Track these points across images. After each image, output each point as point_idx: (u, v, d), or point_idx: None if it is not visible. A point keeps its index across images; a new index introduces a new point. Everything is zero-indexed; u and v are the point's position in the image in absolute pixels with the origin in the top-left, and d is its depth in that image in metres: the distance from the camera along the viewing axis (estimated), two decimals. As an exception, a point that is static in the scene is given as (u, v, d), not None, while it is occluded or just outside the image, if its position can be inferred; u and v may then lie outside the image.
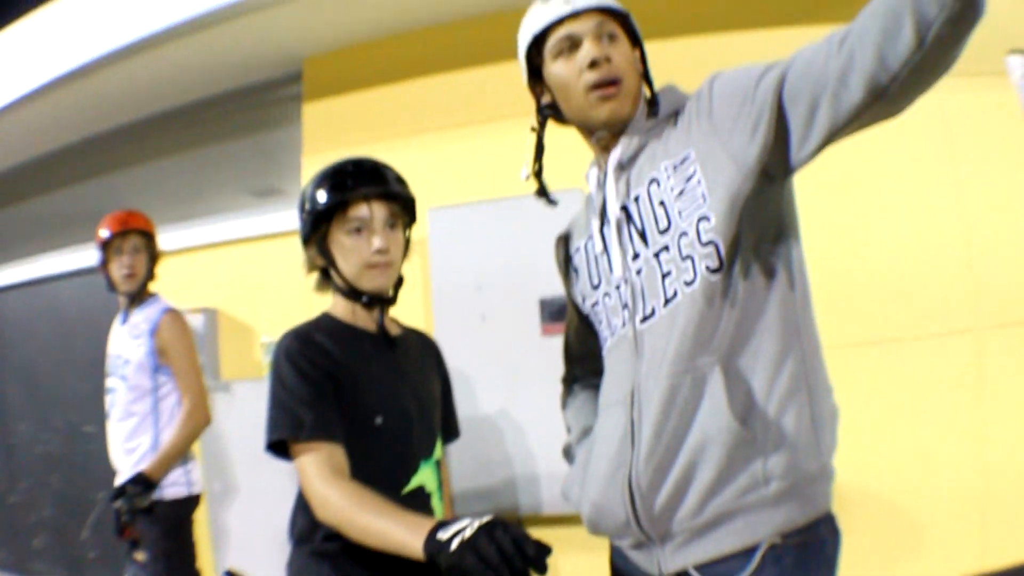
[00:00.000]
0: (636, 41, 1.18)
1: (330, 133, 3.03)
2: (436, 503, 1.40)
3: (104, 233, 2.36)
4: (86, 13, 3.12)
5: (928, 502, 2.50)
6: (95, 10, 3.09)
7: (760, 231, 1.04)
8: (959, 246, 2.62)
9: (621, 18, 1.15)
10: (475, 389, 2.55)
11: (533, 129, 1.24)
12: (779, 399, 1.00)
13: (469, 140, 2.89)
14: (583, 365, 1.40)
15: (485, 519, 0.95)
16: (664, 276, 1.06)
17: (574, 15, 1.11)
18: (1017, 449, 2.51)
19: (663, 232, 1.06)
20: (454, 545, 0.93)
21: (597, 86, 1.10)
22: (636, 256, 1.10)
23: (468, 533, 0.93)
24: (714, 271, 1.01)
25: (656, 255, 1.07)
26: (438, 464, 1.43)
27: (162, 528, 2.26)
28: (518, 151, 2.81)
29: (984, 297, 2.61)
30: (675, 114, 1.14)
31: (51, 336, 3.96)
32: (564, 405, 1.42)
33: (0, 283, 4.23)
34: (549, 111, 1.20)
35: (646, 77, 1.18)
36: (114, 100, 3.40)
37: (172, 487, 2.28)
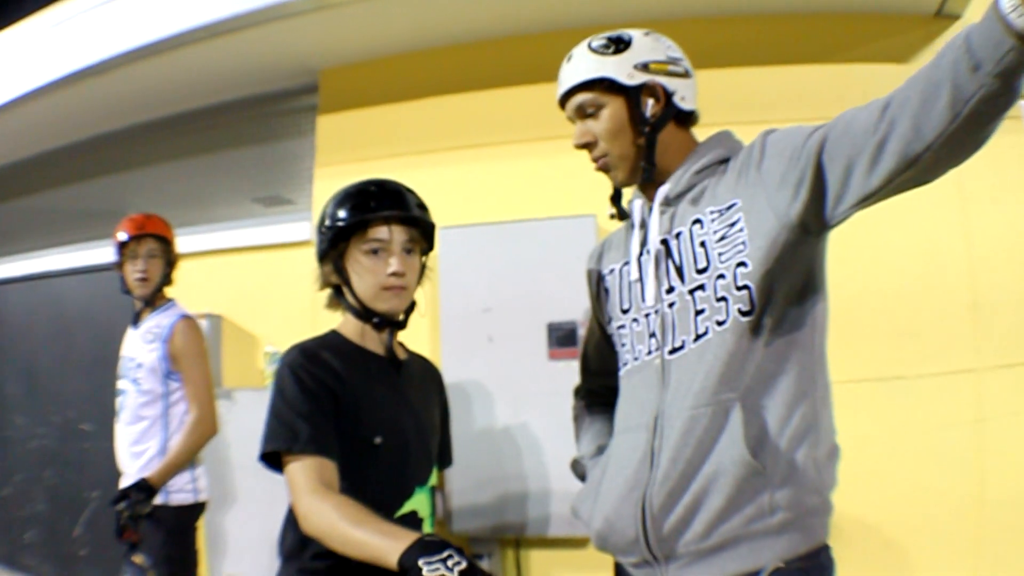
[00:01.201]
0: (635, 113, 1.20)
1: (343, 146, 3.03)
2: (427, 529, 1.40)
3: (121, 236, 2.35)
4: (107, 10, 3.12)
5: (924, 539, 2.51)
6: (116, 8, 3.09)
7: (791, 281, 1.09)
8: (964, 286, 2.64)
9: (608, 86, 1.18)
10: (481, 409, 2.55)
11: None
12: (790, 438, 1.06)
13: (483, 162, 2.89)
14: (599, 380, 1.43)
15: (464, 564, 0.96)
16: (697, 313, 1.11)
17: (561, 99, 1.23)
18: (1014, 489, 2.52)
19: (701, 271, 1.12)
20: (425, 572, 0.94)
21: (598, 167, 1.23)
22: (671, 290, 1.16)
23: (442, 571, 0.94)
24: (745, 314, 1.07)
25: (691, 292, 1.13)
26: (433, 491, 1.44)
27: (166, 533, 2.25)
28: (531, 175, 2.86)
29: (987, 338, 2.62)
30: (725, 160, 1.19)
31: (51, 332, 3.95)
32: (576, 416, 1.47)
33: (2, 276, 4.22)
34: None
35: (647, 150, 1.20)
36: (127, 100, 3.40)
37: (179, 493, 2.27)
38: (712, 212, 1.13)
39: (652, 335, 1.17)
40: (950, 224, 2.67)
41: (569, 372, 2.48)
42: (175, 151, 3.63)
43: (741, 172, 1.13)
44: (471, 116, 2.94)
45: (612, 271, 1.31)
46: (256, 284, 3.19)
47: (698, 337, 1.10)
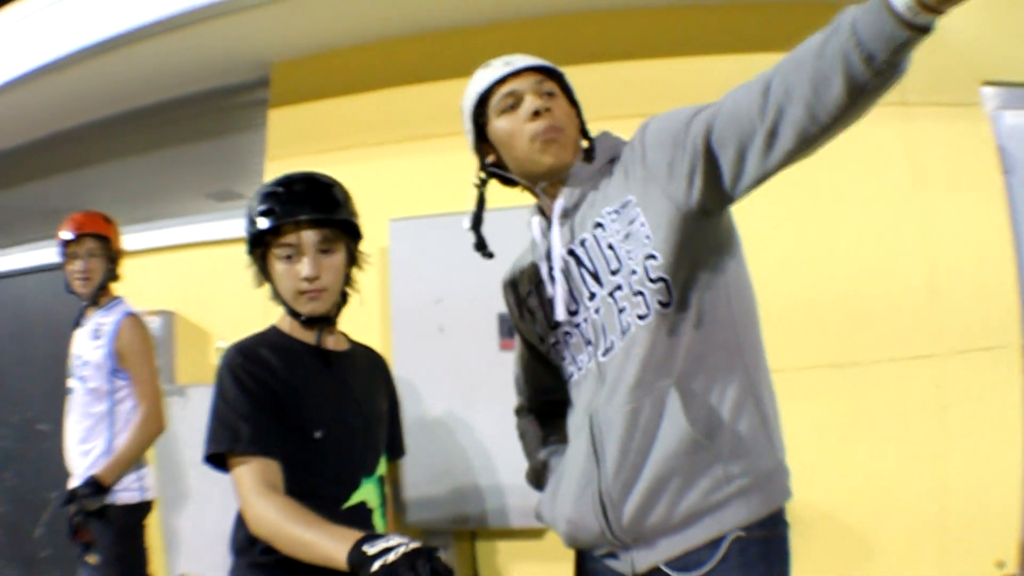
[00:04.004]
0: (572, 98, 1.26)
1: (294, 140, 3.01)
2: (378, 519, 1.40)
3: (62, 235, 2.34)
4: (54, 11, 3.09)
5: (886, 525, 2.52)
6: (63, 8, 3.06)
7: (702, 262, 1.13)
8: (922, 272, 2.64)
9: (557, 77, 1.26)
10: (432, 400, 2.54)
11: (476, 185, 1.32)
12: (730, 409, 1.11)
13: (433, 153, 2.88)
14: (536, 398, 1.47)
15: (411, 545, 0.96)
16: (620, 311, 1.15)
17: (514, 74, 1.22)
18: (975, 474, 2.53)
19: (615, 272, 1.15)
20: (375, 567, 0.94)
21: (541, 134, 1.19)
22: (593, 296, 1.18)
23: (391, 558, 0.94)
24: (665, 304, 1.11)
25: (611, 294, 1.16)
26: (381, 480, 1.43)
27: (114, 532, 2.25)
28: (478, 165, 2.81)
29: (946, 323, 2.62)
30: (611, 161, 1.22)
31: (8, 332, 3.91)
32: (521, 433, 1.49)
33: (-41, 278, 4.16)
34: (493, 170, 1.30)
35: (583, 131, 1.26)
36: (80, 97, 3.37)
37: (125, 492, 2.26)
38: (609, 213, 1.16)
39: (588, 343, 1.20)
40: (906, 209, 2.67)
41: (521, 362, 2.48)
42: (129, 148, 3.60)
43: (628, 169, 1.16)
44: (421, 107, 2.92)
45: (531, 292, 1.34)
46: (208, 279, 3.17)
47: (623, 333, 1.14)
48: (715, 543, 1.09)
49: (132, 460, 2.26)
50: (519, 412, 1.51)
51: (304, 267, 1.29)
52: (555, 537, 2.59)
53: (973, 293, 2.63)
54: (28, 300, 3.84)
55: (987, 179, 2.72)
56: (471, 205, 2.73)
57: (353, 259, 1.39)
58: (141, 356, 2.32)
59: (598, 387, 1.18)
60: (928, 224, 2.67)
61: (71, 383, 2.37)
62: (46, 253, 3.59)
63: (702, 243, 1.12)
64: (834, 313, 2.61)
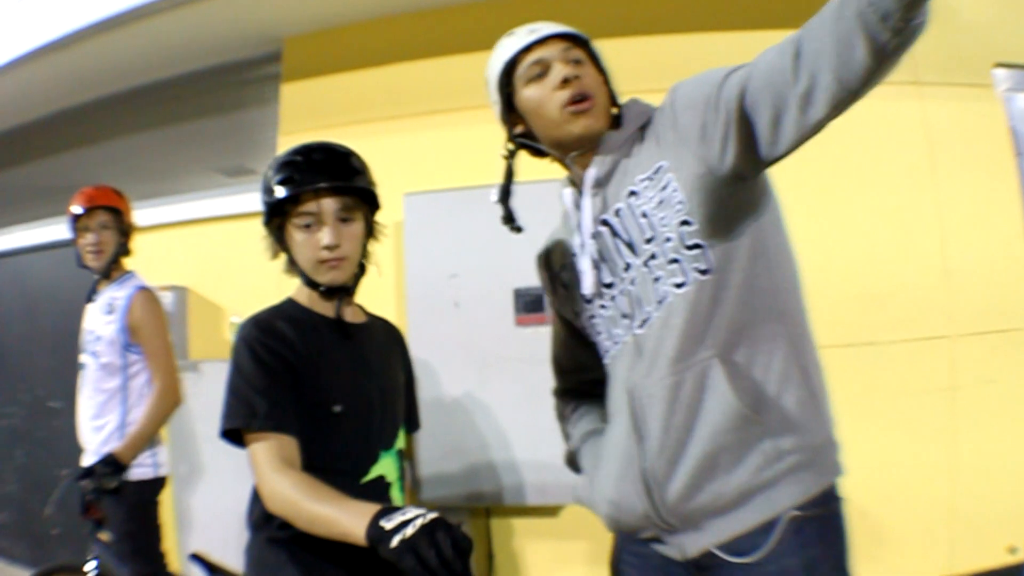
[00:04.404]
0: (599, 66, 1.23)
1: (307, 114, 2.99)
2: (396, 493, 1.39)
3: (73, 209, 2.32)
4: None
5: (896, 506, 2.52)
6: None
7: (740, 227, 1.09)
8: (936, 254, 2.64)
9: (584, 44, 1.22)
10: (446, 376, 2.53)
11: (504, 157, 1.29)
12: (777, 382, 1.07)
13: (448, 127, 2.86)
14: (574, 376, 1.43)
15: (429, 517, 0.95)
16: (655, 281, 1.11)
17: (540, 42, 1.19)
18: (987, 456, 2.53)
19: (649, 241, 1.12)
20: (394, 542, 0.93)
21: (571, 102, 1.16)
22: (628, 267, 1.15)
23: (409, 532, 0.93)
24: (704, 272, 1.08)
25: (646, 263, 1.13)
26: (400, 454, 1.42)
27: (127, 509, 2.24)
28: (497, 140, 2.79)
29: (959, 305, 2.62)
30: (642, 128, 1.19)
31: (17, 309, 3.91)
32: (559, 415, 1.46)
33: (-33, 255, 4.16)
34: (521, 140, 1.27)
35: (612, 98, 1.23)
36: (89, 74, 3.34)
37: (138, 468, 2.25)
38: (642, 180, 1.14)
39: (624, 315, 1.17)
40: (921, 190, 2.67)
41: (536, 338, 2.48)
42: (138, 124, 3.58)
43: (659, 134, 1.14)
44: (436, 82, 2.90)
45: (564, 267, 1.31)
46: (221, 255, 3.16)
47: (660, 303, 1.11)
48: (769, 525, 1.05)
49: (149, 436, 2.25)
50: (557, 393, 1.48)
51: (324, 235, 1.27)
52: (570, 515, 2.64)
53: (986, 275, 2.63)
54: (36, 277, 3.84)
55: (1000, 161, 2.72)
56: (487, 179, 2.71)
57: (371, 230, 1.38)
58: (155, 330, 2.30)
59: (636, 361, 1.15)
60: (941, 206, 2.67)
61: (83, 358, 2.35)
62: (54, 230, 3.60)
63: (738, 207, 1.09)
64: (847, 294, 2.60)
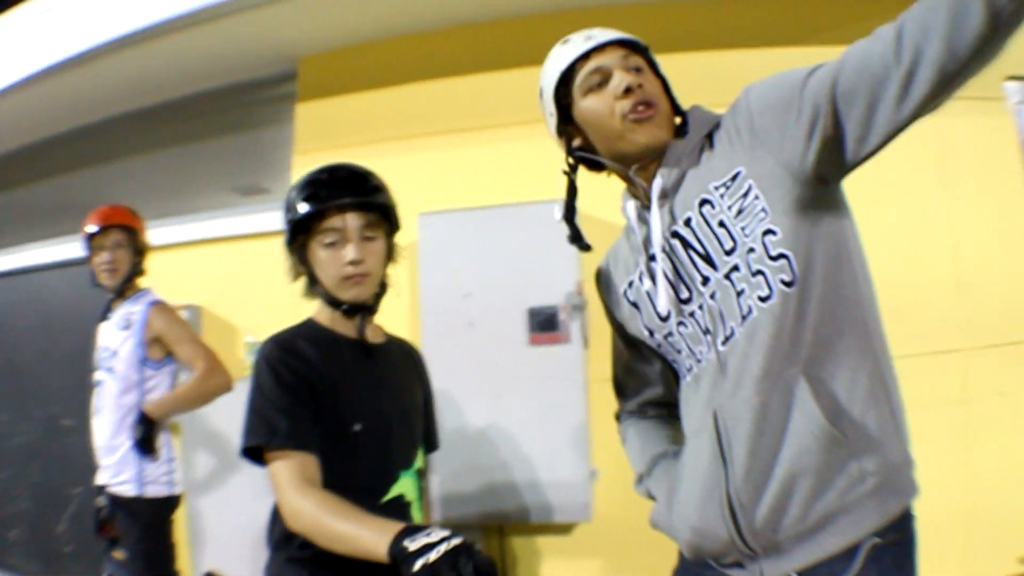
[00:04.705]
0: (658, 73, 1.18)
1: (322, 134, 3.01)
2: (416, 512, 1.39)
3: (88, 228, 2.34)
4: (79, 4, 3.10)
5: (911, 518, 2.51)
6: (88, 1, 3.06)
7: (823, 236, 1.05)
8: (948, 267, 2.64)
9: (643, 52, 1.17)
10: (460, 395, 2.54)
11: (565, 173, 1.23)
12: (862, 400, 1.03)
13: (462, 147, 2.88)
14: (636, 398, 1.39)
15: (453, 542, 0.94)
16: (738, 294, 1.06)
17: (599, 48, 1.13)
18: (999, 467, 2.53)
19: (729, 252, 1.07)
20: (417, 566, 0.93)
21: (633, 110, 1.10)
22: (706, 280, 1.10)
23: (432, 557, 0.92)
24: (789, 284, 1.02)
25: (727, 276, 1.07)
26: (419, 474, 1.43)
27: (142, 527, 2.24)
28: (511, 159, 2.85)
29: (972, 318, 2.62)
30: (709, 135, 1.14)
31: (33, 327, 3.92)
32: (624, 440, 1.40)
33: (-18, 271, 4.18)
34: (581, 154, 1.21)
35: (674, 106, 1.18)
36: (105, 91, 3.37)
37: (154, 485, 2.25)
38: (717, 187, 1.08)
39: (706, 331, 1.11)
40: (934, 205, 2.67)
41: (550, 357, 2.49)
42: (154, 142, 3.61)
43: (733, 139, 1.09)
44: (450, 102, 2.92)
45: (632, 284, 1.25)
46: (236, 274, 3.17)
47: (744, 318, 1.06)
48: (850, 552, 1.02)
49: (188, 406, 2.26)
50: (621, 417, 1.42)
51: (349, 251, 1.28)
52: (583, 533, 2.64)
53: (999, 288, 2.63)
54: (51, 295, 3.85)
55: (1012, 173, 2.72)
56: (501, 198, 2.76)
57: (390, 251, 1.39)
58: (179, 330, 2.31)
59: (719, 379, 1.09)
60: (954, 219, 2.67)
61: (98, 375, 2.36)
62: (69, 248, 3.60)
63: (820, 215, 1.04)
64: (860, 307, 2.61)
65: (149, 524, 2.26)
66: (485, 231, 2.56)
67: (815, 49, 2.72)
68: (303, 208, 1.29)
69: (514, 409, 2.51)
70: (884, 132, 0.94)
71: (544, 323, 2.49)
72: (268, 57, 3.11)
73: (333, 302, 1.33)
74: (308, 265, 1.33)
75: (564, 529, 2.61)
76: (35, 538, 3.80)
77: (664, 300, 1.14)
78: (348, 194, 1.29)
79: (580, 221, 1.25)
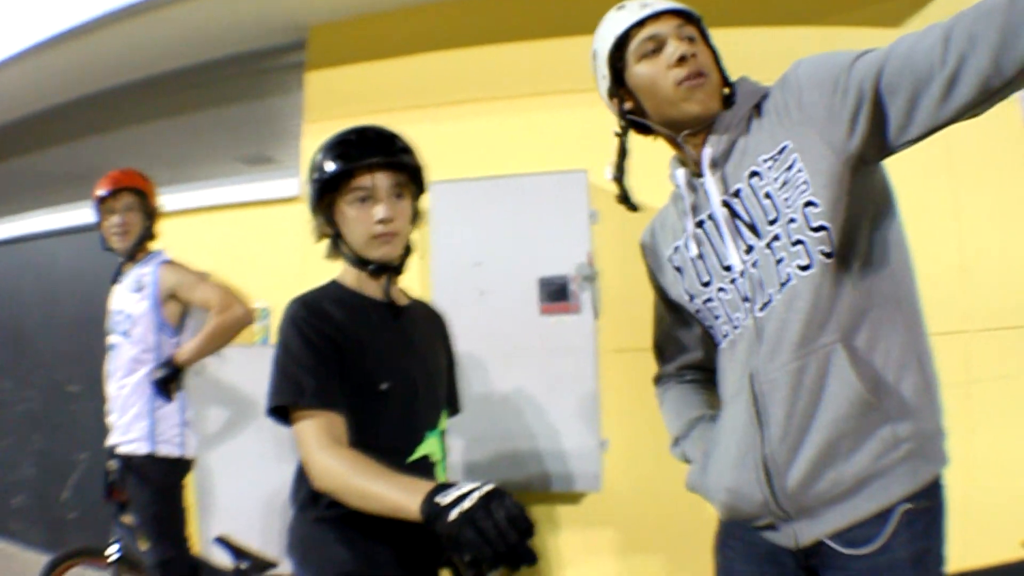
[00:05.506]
0: (710, 44, 1.21)
1: (332, 103, 3.00)
2: (441, 473, 1.40)
3: (98, 192, 2.33)
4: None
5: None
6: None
7: (862, 210, 1.09)
8: (953, 251, 2.65)
9: (696, 22, 1.20)
10: (471, 364, 2.54)
11: (617, 135, 1.26)
12: (896, 369, 1.07)
13: (473, 117, 2.88)
14: (675, 362, 1.43)
15: (485, 488, 0.95)
16: (778, 262, 1.10)
17: (654, 16, 1.16)
18: (1001, 451, 2.54)
19: (773, 222, 1.10)
20: (452, 515, 0.93)
21: (687, 79, 1.14)
22: (750, 249, 1.14)
23: (467, 505, 0.93)
24: (828, 255, 1.06)
25: (768, 244, 1.11)
26: (443, 435, 1.44)
27: (152, 490, 2.25)
28: (523, 130, 2.85)
29: (975, 301, 2.63)
30: (757, 106, 1.16)
31: (38, 294, 3.91)
32: (661, 403, 1.44)
33: (-12, 238, 4.17)
34: (632, 117, 1.24)
35: (723, 78, 1.21)
36: (112, 59, 3.35)
37: (165, 444, 2.26)
38: (765, 160, 1.11)
39: (745, 299, 1.16)
40: (939, 188, 2.68)
41: (561, 327, 2.50)
42: (161, 110, 3.58)
43: (781, 113, 1.11)
44: (462, 72, 2.91)
45: (677, 249, 1.29)
46: (244, 241, 3.16)
47: (783, 285, 1.09)
48: (882, 516, 1.06)
49: (212, 343, 2.25)
50: (659, 380, 1.46)
51: (379, 210, 1.28)
52: (592, 503, 2.65)
53: (1002, 272, 2.64)
54: (55, 262, 3.84)
55: (1016, 159, 2.72)
56: (513, 168, 2.75)
57: (416, 212, 1.39)
58: (191, 277, 2.32)
59: (756, 345, 1.13)
60: (959, 203, 2.68)
61: (112, 339, 2.36)
62: (74, 215, 3.60)
63: (861, 191, 1.08)
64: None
65: (160, 487, 2.26)
66: (497, 201, 2.55)
67: (820, 29, 2.72)
68: (332, 167, 1.29)
69: (524, 378, 2.51)
70: (925, 126, 0.97)
71: (555, 293, 2.50)
72: (278, 26, 3.09)
73: (360, 262, 1.33)
74: (335, 225, 1.33)
75: (573, 499, 2.63)
76: (39, 505, 3.80)
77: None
78: (378, 153, 1.30)
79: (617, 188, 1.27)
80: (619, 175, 1.28)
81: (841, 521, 1.08)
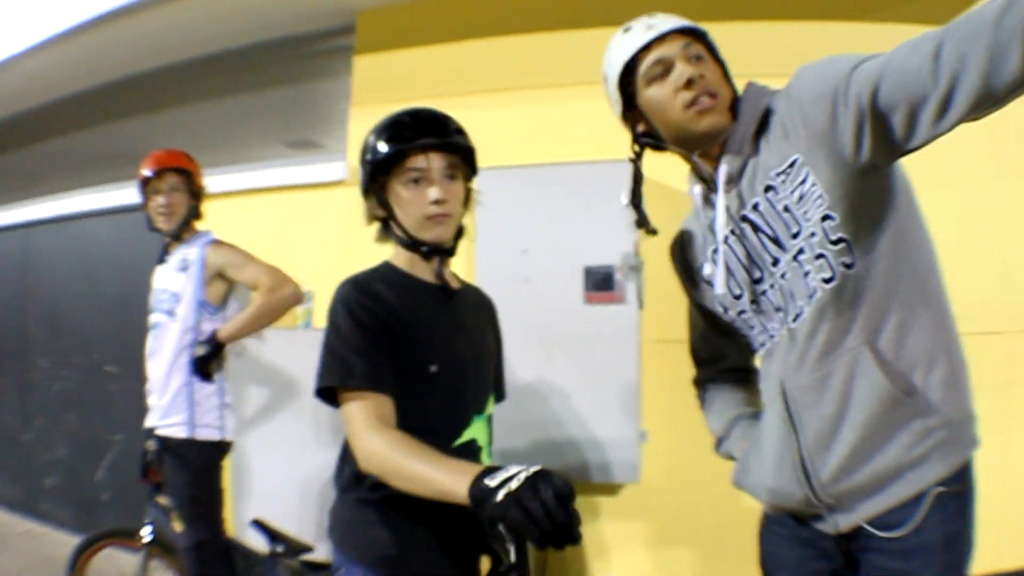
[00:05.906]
0: (717, 57, 1.22)
1: (379, 88, 3.01)
2: (486, 457, 1.40)
3: (143, 172, 2.33)
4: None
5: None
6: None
7: (879, 214, 1.10)
8: (995, 250, 2.64)
9: (702, 37, 1.21)
10: (513, 351, 2.50)
11: (631, 159, 1.29)
12: (924, 363, 1.10)
13: (521, 104, 2.87)
14: (713, 365, 1.46)
15: (532, 470, 0.94)
16: (805, 275, 1.13)
17: (659, 38, 1.18)
18: (1040, 452, 2.53)
19: (795, 236, 1.13)
20: (500, 496, 0.92)
21: (695, 101, 1.15)
22: (776, 261, 1.17)
23: (514, 485, 0.92)
24: (849, 266, 1.09)
25: (795, 257, 1.14)
26: (490, 419, 1.44)
27: (191, 473, 2.24)
28: (571, 118, 2.85)
29: (1017, 301, 2.62)
30: (765, 115, 1.17)
31: (76, 273, 3.93)
32: (702, 405, 1.48)
33: (29, 218, 4.19)
34: (646, 139, 1.26)
35: (733, 90, 1.22)
36: (158, 40, 3.37)
37: (205, 428, 2.25)
38: (778, 174, 1.13)
39: (778, 309, 1.19)
40: (983, 188, 2.66)
41: (605, 316, 2.49)
42: (205, 92, 3.59)
43: (787, 127, 1.12)
44: (510, 59, 2.91)
45: (703, 263, 1.32)
46: (287, 224, 3.17)
47: (810, 297, 1.12)
48: (916, 500, 1.10)
49: (258, 321, 2.23)
50: (698, 383, 1.50)
51: (433, 191, 1.28)
52: (629, 494, 2.65)
53: (1047, 274, 2.63)
54: (94, 242, 3.86)
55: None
56: (560, 156, 2.74)
57: (467, 194, 1.40)
58: (239, 256, 2.30)
59: (788, 354, 1.17)
60: (1004, 203, 2.66)
61: (155, 317, 2.36)
62: (114, 195, 3.62)
63: (876, 197, 1.10)
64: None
65: (198, 469, 2.26)
66: (544, 188, 2.55)
67: (863, 25, 2.71)
68: (386, 148, 1.29)
69: (566, 367, 2.50)
70: (926, 137, 0.98)
71: (600, 282, 2.49)
72: (326, 10, 3.09)
73: (413, 244, 1.33)
74: (387, 207, 1.33)
75: (611, 489, 2.62)
76: (71, 486, 3.82)
77: (720, 283, 1.22)
78: (432, 135, 1.29)
79: (645, 188, 1.30)
80: (635, 200, 1.30)
81: (878, 508, 1.12)
